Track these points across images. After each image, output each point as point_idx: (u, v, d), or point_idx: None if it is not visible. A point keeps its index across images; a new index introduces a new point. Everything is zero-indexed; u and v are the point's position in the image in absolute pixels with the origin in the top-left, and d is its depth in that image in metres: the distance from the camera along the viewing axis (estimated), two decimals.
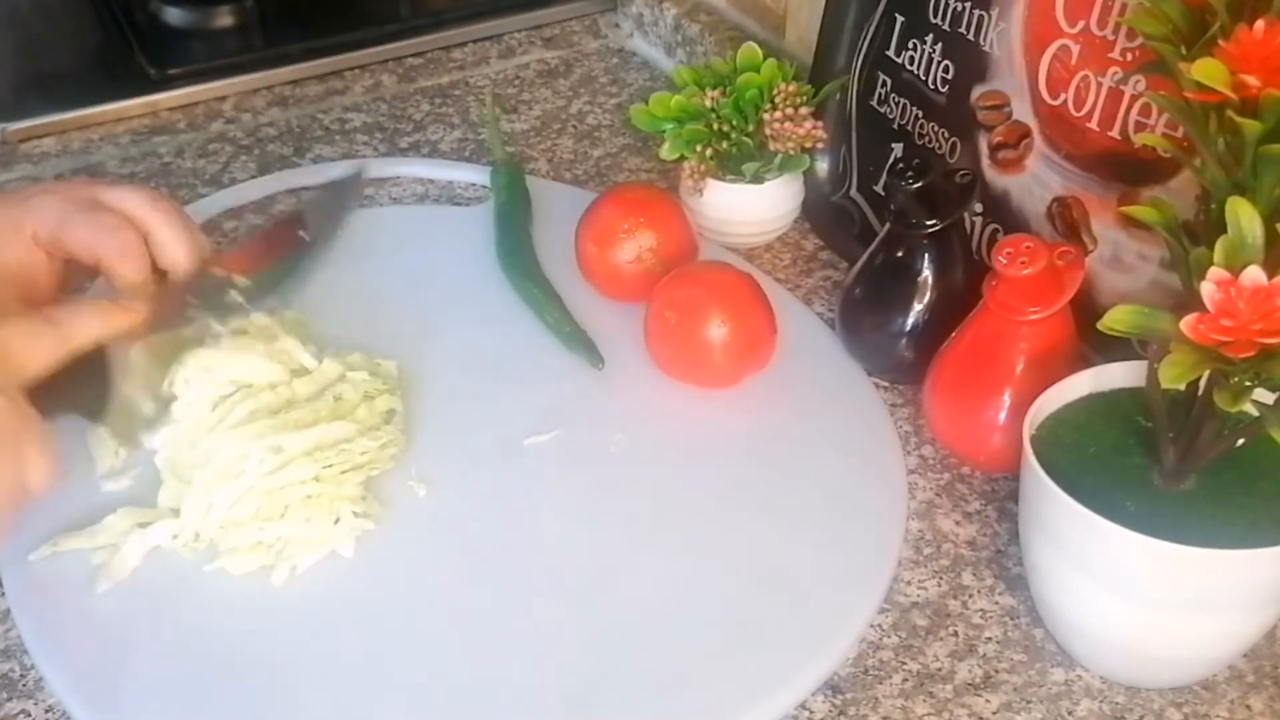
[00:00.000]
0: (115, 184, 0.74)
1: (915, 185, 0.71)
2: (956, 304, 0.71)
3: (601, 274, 0.80)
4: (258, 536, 0.64)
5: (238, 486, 0.64)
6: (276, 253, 0.71)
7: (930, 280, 0.73)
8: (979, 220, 0.78)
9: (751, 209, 0.86)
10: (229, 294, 0.68)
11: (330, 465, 0.66)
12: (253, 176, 0.94)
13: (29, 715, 0.59)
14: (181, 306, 0.66)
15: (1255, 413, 0.53)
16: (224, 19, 1.11)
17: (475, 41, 1.12)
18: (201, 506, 0.64)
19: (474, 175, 0.95)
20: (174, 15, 1.10)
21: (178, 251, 0.68)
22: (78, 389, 0.61)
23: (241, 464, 0.64)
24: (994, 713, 0.59)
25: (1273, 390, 0.54)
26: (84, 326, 0.61)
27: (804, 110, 0.83)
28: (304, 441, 0.66)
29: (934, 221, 0.71)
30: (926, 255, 0.72)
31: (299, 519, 0.64)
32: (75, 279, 0.72)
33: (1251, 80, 0.47)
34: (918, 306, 0.73)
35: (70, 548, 0.64)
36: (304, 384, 0.69)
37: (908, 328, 0.74)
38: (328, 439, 0.67)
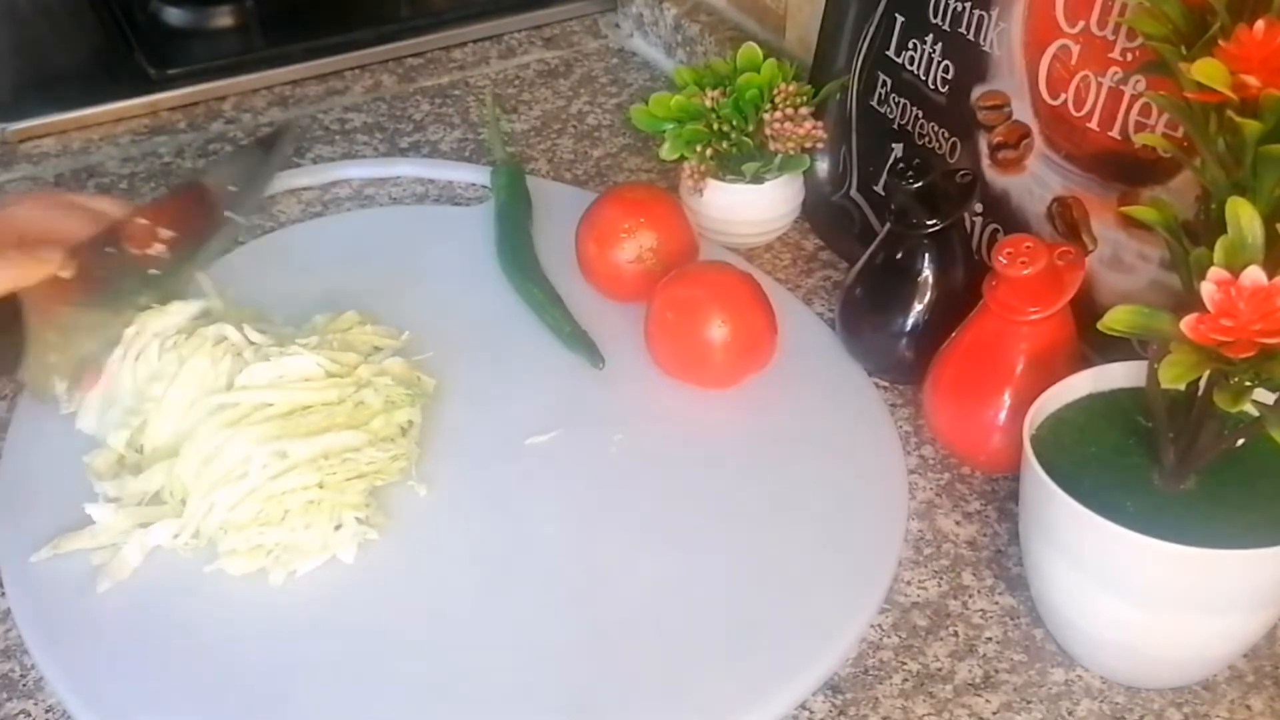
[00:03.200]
0: (89, 194, 0.77)
1: (916, 185, 0.71)
2: (957, 304, 0.71)
3: (602, 274, 0.80)
4: (257, 539, 0.64)
5: (240, 489, 0.64)
6: (193, 216, 0.72)
7: (931, 280, 0.73)
8: (979, 220, 0.78)
9: (752, 209, 0.86)
10: (148, 255, 0.70)
11: (334, 473, 0.66)
12: None
13: (29, 715, 0.59)
14: (100, 260, 0.67)
15: (1255, 413, 0.53)
16: (224, 19, 1.11)
17: (475, 41, 1.12)
18: (203, 506, 0.64)
19: (474, 175, 0.95)
20: (174, 15, 1.10)
21: None
22: None
23: (245, 467, 0.64)
24: (994, 713, 0.59)
25: (1273, 390, 0.54)
26: None
27: (804, 110, 0.83)
28: (310, 448, 0.65)
29: (934, 221, 0.71)
30: (927, 255, 0.72)
31: (299, 524, 0.64)
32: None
33: (1251, 80, 0.47)
34: (918, 306, 0.73)
35: (71, 549, 0.64)
36: (327, 389, 0.68)
37: (908, 328, 0.74)
38: (335, 447, 0.66)
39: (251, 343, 0.70)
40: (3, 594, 0.64)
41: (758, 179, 0.85)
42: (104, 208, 0.74)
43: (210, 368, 0.68)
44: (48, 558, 0.64)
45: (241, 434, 0.65)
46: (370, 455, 0.67)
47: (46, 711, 0.59)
